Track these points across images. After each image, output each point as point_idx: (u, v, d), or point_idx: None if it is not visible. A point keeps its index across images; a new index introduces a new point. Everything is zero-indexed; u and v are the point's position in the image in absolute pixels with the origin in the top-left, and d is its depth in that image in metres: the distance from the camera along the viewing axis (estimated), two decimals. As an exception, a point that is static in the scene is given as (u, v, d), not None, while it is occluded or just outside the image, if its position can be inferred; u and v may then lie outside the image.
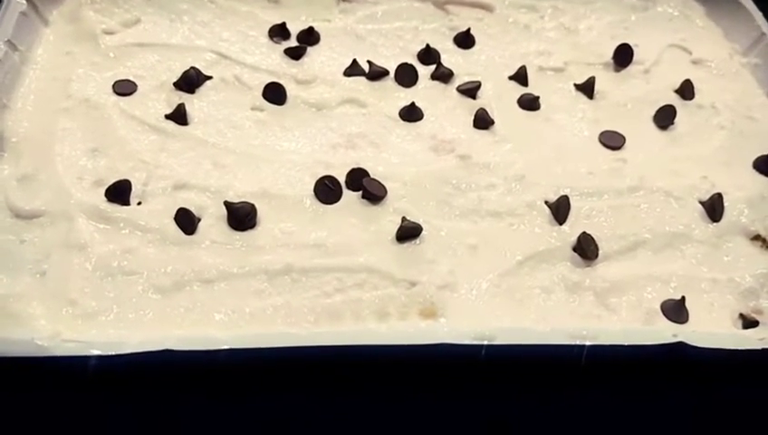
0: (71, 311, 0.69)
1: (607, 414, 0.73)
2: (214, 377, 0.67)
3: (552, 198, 0.83)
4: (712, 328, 0.75)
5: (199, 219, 0.77)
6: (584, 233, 0.79)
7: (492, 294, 0.75)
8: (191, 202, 0.78)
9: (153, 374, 0.66)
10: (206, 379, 0.68)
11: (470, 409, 0.72)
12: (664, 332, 0.71)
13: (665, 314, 0.76)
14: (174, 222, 0.76)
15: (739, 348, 0.71)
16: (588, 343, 0.69)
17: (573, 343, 0.69)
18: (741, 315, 0.77)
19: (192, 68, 0.91)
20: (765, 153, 0.91)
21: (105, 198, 0.77)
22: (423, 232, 0.78)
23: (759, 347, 0.72)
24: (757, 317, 0.77)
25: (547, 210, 0.82)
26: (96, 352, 0.64)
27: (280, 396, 0.70)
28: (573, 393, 0.74)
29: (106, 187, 0.78)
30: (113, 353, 0.64)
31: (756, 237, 0.84)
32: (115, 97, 0.88)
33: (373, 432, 0.70)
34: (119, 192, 0.77)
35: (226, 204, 0.76)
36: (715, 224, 0.83)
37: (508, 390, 0.72)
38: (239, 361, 0.66)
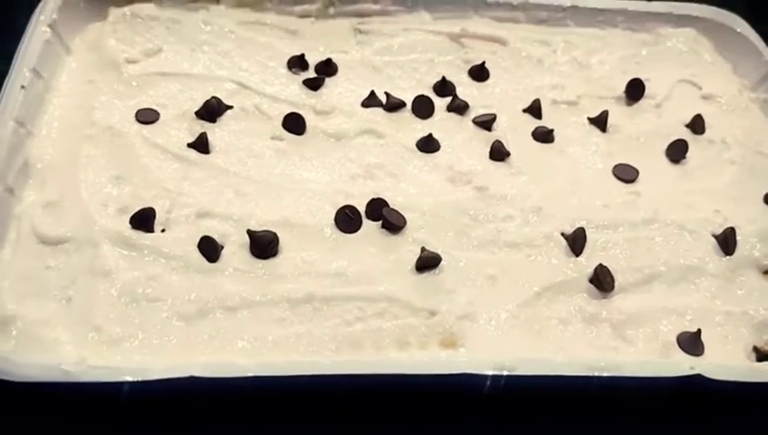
0: (96, 337, 0.70)
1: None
2: (238, 403, 0.68)
3: (569, 229, 0.84)
4: (726, 361, 0.76)
5: (222, 247, 0.78)
6: (600, 265, 0.80)
7: (511, 324, 0.76)
8: (214, 230, 0.79)
9: (178, 400, 0.67)
10: (230, 405, 0.68)
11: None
12: (681, 364, 0.73)
13: (681, 347, 0.77)
14: (197, 250, 0.77)
15: (755, 381, 0.73)
16: (606, 374, 0.70)
17: (592, 374, 0.70)
18: (755, 348, 0.79)
19: (213, 97, 0.92)
20: (775, 188, 0.93)
21: (129, 226, 0.78)
22: (442, 262, 0.79)
23: (774, 380, 0.73)
24: (771, 350, 0.78)
25: (563, 242, 0.83)
26: (129, 378, 0.65)
27: (302, 423, 0.70)
28: (591, 424, 0.75)
29: (130, 214, 0.79)
30: (142, 380, 0.64)
31: (768, 271, 0.85)
32: (138, 125, 0.89)
33: None
34: (143, 219, 0.78)
35: (249, 232, 0.77)
36: (728, 257, 0.85)
37: (527, 420, 0.73)
38: (263, 388, 0.67)
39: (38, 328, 0.70)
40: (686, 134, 0.99)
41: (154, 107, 0.91)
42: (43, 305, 0.72)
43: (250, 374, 0.66)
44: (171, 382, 0.65)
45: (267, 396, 0.69)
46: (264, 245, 0.77)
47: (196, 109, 0.91)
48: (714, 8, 1.13)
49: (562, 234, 0.84)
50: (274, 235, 0.78)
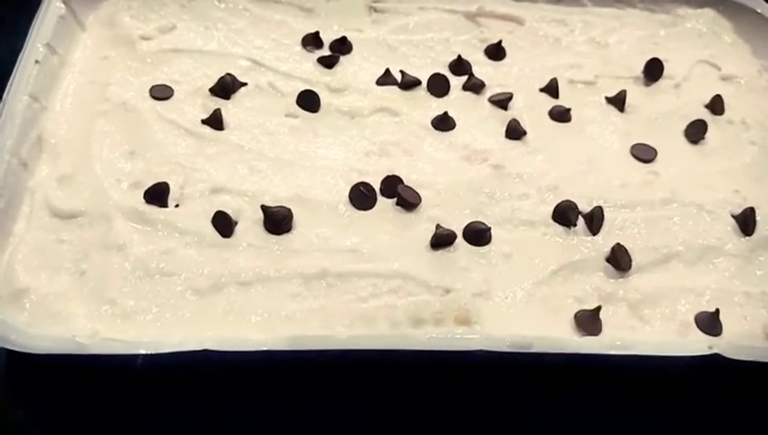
0: (109, 310, 0.70)
1: (641, 425, 0.74)
2: (251, 377, 0.68)
3: (586, 208, 0.83)
4: (745, 341, 0.75)
5: (236, 223, 0.77)
6: (618, 244, 0.79)
7: (526, 302, 0.75)
8: (228, 205, 0.78)
9: (191, 374, 0.67)
10: (243, 379, 0.68)
11: (504, 415, 0.72)
12: (699, 343, 0.72)
13: (698, 327, 0.76)
14: (211, 225, 0.77)
15: (774, 360, 0.72)
16: (622, 352, 0.70)
17: (608, 352, 0.70)
18: (773, 329, 0.78)
19: (228, 74, 0.92)
20: (796, 169, 0.91)
21: (143, 200, 0.78)
22: (457, 240, 0.78)
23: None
24: (789, 332, 0.77)
25: (581, 220, 0.82)
26: (141, 350, 0.65)
27: (315, 398, 0.70)
28: (608, 403, 0.74)
29: (144, 189, 0.79)
30: (156, 352, 0.64)
31: (787, 252, 0.84)
32: (152, 101, 0.88)
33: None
34: (157, 194, 0.78)
35: (263, 208, 0.77)
36: (747, 238, 0.84)
37: (543, 398, 0.73)
38: (276, 362, 0.67)
39: (51, 301, 0.70)
40: (705, 115, 0.97)
41: (168, 83, 0.91)
42: (56, 278, 0.72)
43: (263, 348, 0.66)
44: (184, 356, 0.65)
45: (280, 370, 0.69)
46: (277, 220, 0.77)
47: (211, 85, 0.91)
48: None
49: (580, 213, 0.83)
50: (288, 210, 0.78)
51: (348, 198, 0.81)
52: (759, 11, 1.09)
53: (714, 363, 0.70)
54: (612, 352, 0.70)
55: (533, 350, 0.69)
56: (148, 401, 0.68)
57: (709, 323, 0.76)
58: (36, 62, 0.86)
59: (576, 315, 0.75)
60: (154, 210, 0.77)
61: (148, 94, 0.89)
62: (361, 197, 0.81)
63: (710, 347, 0.71)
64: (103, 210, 0.77)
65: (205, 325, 0.70)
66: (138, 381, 0.66)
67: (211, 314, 0.71)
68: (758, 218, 0.85)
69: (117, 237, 0.75)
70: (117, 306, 0.70)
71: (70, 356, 0.65)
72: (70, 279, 0.72)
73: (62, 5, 0.93)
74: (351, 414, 0.71)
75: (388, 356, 0.68)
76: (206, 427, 0.69)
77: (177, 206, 0.79)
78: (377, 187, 0.82)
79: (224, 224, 0.77)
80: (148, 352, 0.64)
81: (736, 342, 0.74)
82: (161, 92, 0.90)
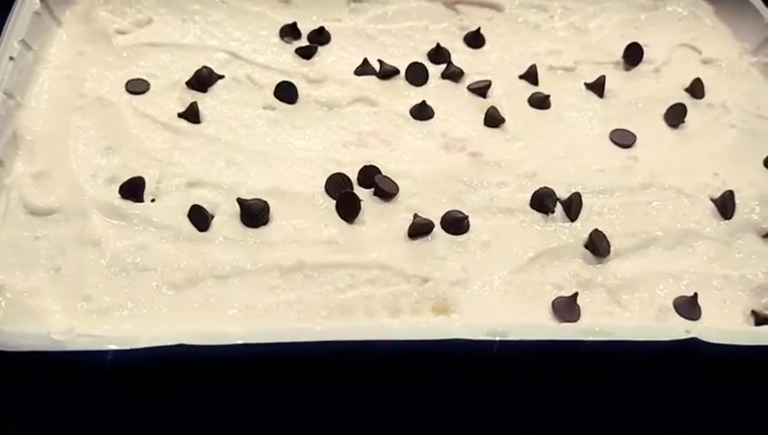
0: (85, 306, 0.70)
1: (619, 410, 0.74)
2: (228, 371, 0.68)
3: (564, 195, 0.83)
4: (724, 325, 0.76)
5: (212, 216, 0.78)
6: (596, 230, 0.80)
7: (504, 290, 0.76)
8: (204, 199, 0.79)
9: (167, 369, 0.67)
10: (220, 373, 0.68)
11: (482, 404, 0.72)
12: (677, 328, 0.72)
13: (677, 311, 0.76)
14: (187, 219, 0.77)
15: (752, 344, 0.72)
16: (600, 338, 0.70)
17: (586, 338, 0.70)
18: (753, 312, 0.78)
19: (204, 67, 0.92)
20: (776, 151, 0.92)
21: (119, 195, 0.78)
22: (435, 229, 0.78)
23: (772, 344, 0.72)
24: (769, 314, 0.77)
25: (559, 207, 0.82)
26: (113, 346, 0.64)
27: (293, 390, 0.70)
28: (586, 390, 0.74)
29: (120, 184, 0.79)
30: (129, 348, 0.64)
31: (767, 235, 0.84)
32: (128, 96, 0.89)
33: (384, 427, 0.71)
34: (132, 189, 0.78)
35: (239, 201, 0.77)
36: (726, 221, 0.84)
37: (520, 385, 0.73)
38: (253, 355, 0.67)
39: (27, 298, 0.70)
40: (686, 98, 0.98)
41: (144, 77, 0.92)
42: (32, 275, 0.72)
43: (240, 342, 0.66)
44: (160, 350, 0.64)
45: (258, 364, 0.68)
46: (254, 213, 0.77)
47: (187, 79, 0.91)
48: (714, -29, 1.11)
49: (558, 199, 0.83)
50: (265, 203, 0.78)
51: (324, 190, 0.81)
52: (740, -7, 1.09)
53: (692, 348, 0.70)
54: (590, 338, 0.70)
55: (510, 338, 0.69)
56: (125, 397, 0.68)
57: (688, 307, 0.76)
58: (11, 58, 0.86)
59: (554, 302, 0.75)
60: (130, 205, 0.78)
61: (124, 89, 0.90)
62: (339, 187, 0.80)
63: (687, 331, 0.71)
64: (79, 206, 0.77)
65: (181, 320, 0.70)
66: (113, 377, 0.66)
67: (187, 308, 0.71)
68: (737, 201, 0.85)
69: (92, 233, 0.75)
70: (93, 302, 0.70)
71: (45, 353, 0.65)
72: (45, 275, 0.72)
73: (38, 1, 0.93)
74: (330, 406, 0.70)
75: (365, 347, 0.67)
76: (183, 423, 0.69)
77: (153, 200, 0.79)
78: (355, 177, 0.82)
79: (200, 218, 0.77)
80: (122, 348, 0.64)
81: (715, 326, 0.74)
82: (137, 87, 0.90)
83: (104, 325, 0.68)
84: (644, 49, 1.02)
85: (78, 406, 0.68)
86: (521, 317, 0.73)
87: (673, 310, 0.76)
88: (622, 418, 0.73)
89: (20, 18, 0.90)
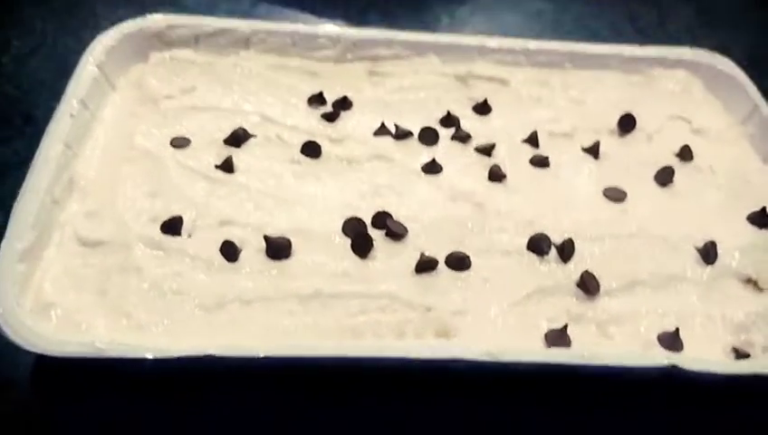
0: (126, 323, 0.78)
1: (605, 431, 0.79)
2: (249, 380, 0.75)
3: (558, 240, 0.90)
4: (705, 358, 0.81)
5: (241, 250, 0.86)
6: (587, 271, 0.87)
7: (501, 321, 0.82)
8: (234, 236, 0.87)
9: (195, 376, 0.75)
10: (242, 381, 0.75)
11: (479, 419, 0.78)
12: (657, 356, 0.78)
13: (661, 344, 0.82)
14: (219, 252, 0.85)
15: (731, 373, 0.77)
16: (587, 362, 0.76)
17: (573, 362, 0.76)
18: (734, 349, 0.83)
19: (240, 127, 1.01)
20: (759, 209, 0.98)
21: (160, 231, 0.87)
22: (439, 265, 0.86)
23: (749, 372, 0.78)
24: (749, 350, 0.83)
25: (553, 250, 0.89)
26: (149, 354, 0.72)
27: (306, 400, 0.77)
28: (574, 410, 0.80)
29: (161, 222, 0.87)
30: (163, 356, 0.72)
31: (748, 281, 0.90)
32: (172, 149, 0.98)
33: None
34: (172, 226, 0.87)
35: (265, 237, 0.86)
36: (709, 267, 0.90)
37: (513, 404, 0.79)
38: (272, 366, 0.74)
39: (76, 314, 0.78)
40: (675, 162, 1.05)
41: (187, 135, 1.00)
42: (81, 296, 0.80)
43: (261, 355, 0.73)
44: (190, 359, 0.72)
45: (276, 374, 0.76)
46: (278, 248, 0.85)
47: (224, 137, 1.00)
48: (704, 51, 1.20)
49: (553, 244, 0.90)
50: (288, 240, 0.86)
51: (341, 230, 0.89)
52: (728, 71, 1.17)
53: (672, 375, 0.76)
54: (578, 362, 0.76)
55: (506, 359, 0.75)
56: (158, 400, 0.76)
57: (671, 341, 0.82)
58: (71, 115, 0.95)
59: (546, 333, 0.81)
60: (169, 239, 0.86)
61: (168, 144, 0.99)
62: (354, 229, 0.89)
63: (668, 359, 0.77)
64: (124, 239, 0.85)
65: (210, 336, 0.77)
66: (148, 382, 0.74)
67: (215, 326, 0.79)
68: (720, 251, 0.92)
69: (135, 262, 0.83)
70: (133, 319, 0.78)
71: (89, 359, 0.73)
72: (92, 297, 0.80)
73: (96, 68, 1.04)
74: (341, 415, 0.77)
75: (373, 363, 0.75)
76: (211, 425, 0.76)
77: (189, 236, 0.87)
78: (368, 221, 0.90)
79: (230, 251, 0.85)
80: (158, 357, 0.72)
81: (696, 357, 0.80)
82: (180, 142, 0.99)
83: (142, 338, 0.76)
84: (637, 119, 1.10)
85: (119, 408, 0.76)
86: (516, 343, 0.80)
87: (657, 343, 0.82)
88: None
89: (80, 82, 1.00)
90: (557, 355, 0.78)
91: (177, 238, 0.87)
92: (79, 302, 0.80)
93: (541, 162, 1.03)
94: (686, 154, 1.07)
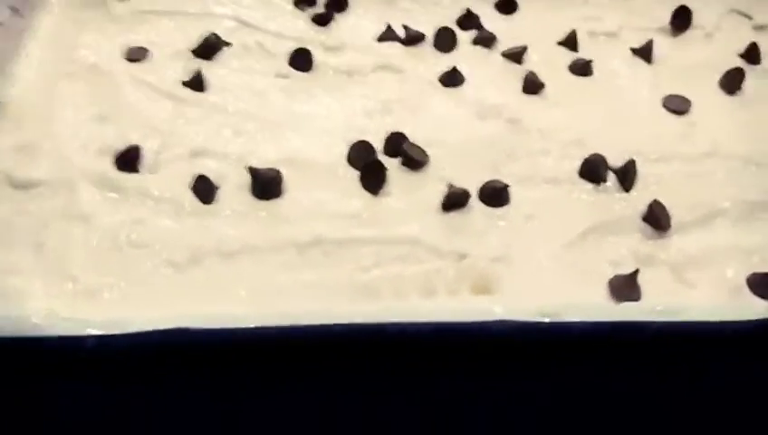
0: (71, 287, 0.63)
1: (687, 398, 0.65)
2: (235, 358, 0.59)
3: (617, 163, 0.75)
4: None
5: (218, 188, 0.71)
6: (655, 201, 0.72)
7: (552, 268, 0.68)
8: (209, 170, 0.71)
9: (165, 358, 0.59)
10: (225, 360, 0.60)
11: (530, 392, 0.64)
12: (755, 306, 0.64)
13: (751, 289, 0.68)
14: (190, 191, 0.70)
15: None
16: (666, 319, 0.62)
17: (649, 319, 0.62)
18: (840, 290, 0.69)
19: (212, 34, 0.86)
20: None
21: (113, 166, 0.71)
22: (471, 200, 0.71)
23: None
24: None
25: (612, 177, 0.74)
26: (94, 331, 0.57)
27: (311, 381, 0.62)
28: (649, 379, 0.65)
29: (114, 155, 0.72)
30: (115, 333, 0.56)
31: None
32: (125, 63, 0.83)
33: (418, 418, 0.63)
34: (128, 159, 0.71)
35: (250, 169, 0.70)
36: (800, 190, 0.76)
37: (574, 371, 0.64)
38: (267, 341, 0.58)
39: (7, 277, 0.63)
40: (741, 64, 0.90)
41: (145, 45, 0.85)
42: (13, 253, 0.65)
43: (252, 326, 0.58)
44: (155, 335, 0.56)
45: (272, 351, 0.60)
46: (266, 183, 0.70)
47: (192, 47, 0.85)
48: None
49: (610, 168, 0.75)
50: (278, 172, 0.71)
51: (346, 159, 0.74)
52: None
53: (773, 329, 0.62)
54: (654, 319, 0.62)
55: (563, 319, 0.60)
56: (108, 388, 0.60)
57: (764, 284, 0.67)
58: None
59: (610, 281, 0.67)
60: (124, 177, 0.71)
61: (121, 56, 0.83)
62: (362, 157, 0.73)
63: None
64: (66, 178, 0.70)
65: (181, 301, 0.62)
66: (94, 366, 0.58)
67: (189, 289, 0.64)
68: (810, 169, 0.77)
69: (81, 207, 0.68)
70: (79, 283, 0.63)
71: (24, 339, 0.57)
72: (28, 254, 0.65)
73: (27, -34, 0.87)
74: (353, 396, 0.63)
75: (395, 330, 0.59)
76: (178, 414, 0.61)
77: (151, 172, 0.72)
78: (379, 146, 0.75)
79: (205, 189, 0.70)
80: (108, 333, 0.56)
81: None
82: (136, 54, 0.84)
83: (92, 308, 0.61)
84: (692, 13, 0.95)
85: (56, 398, 0.60)
86: (573, 299, 0.65)
87: (746, 288, 0.68)
88: (689, 405, 0.65)
89: (9, -16, 0.84)
90: (628, 312, 0.63)
91: (136, 175, 0.71)
92: (9, 261, 0.64)
93: (583, 69, 0.87)
94: (753, 55, 0.91)
